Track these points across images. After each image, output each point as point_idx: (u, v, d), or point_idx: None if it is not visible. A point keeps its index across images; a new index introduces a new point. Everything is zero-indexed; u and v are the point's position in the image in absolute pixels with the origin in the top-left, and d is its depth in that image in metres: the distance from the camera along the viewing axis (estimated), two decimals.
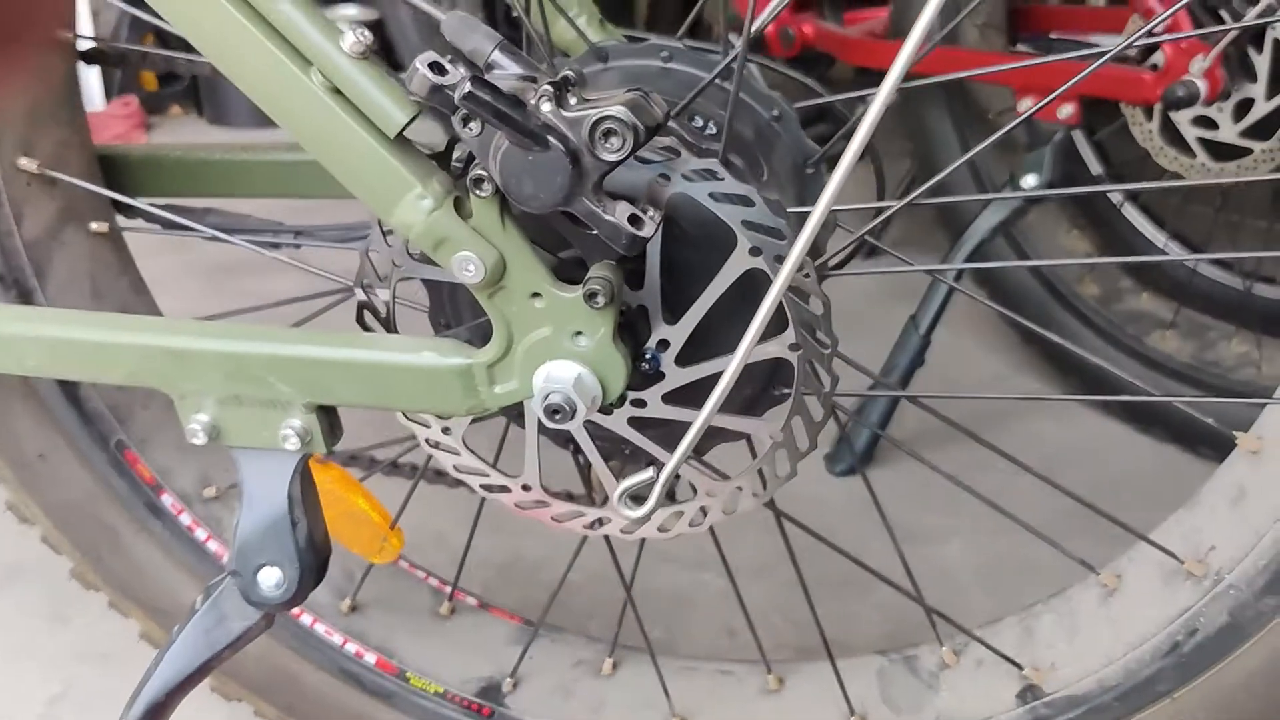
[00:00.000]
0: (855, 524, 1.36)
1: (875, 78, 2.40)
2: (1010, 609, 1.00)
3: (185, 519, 1.04)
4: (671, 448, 0.73)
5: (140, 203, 1.03)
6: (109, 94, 4.01)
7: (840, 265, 0.97)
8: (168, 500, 1.03)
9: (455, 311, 0.83)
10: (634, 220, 0.65)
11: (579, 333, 0.72)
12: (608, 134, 0.62)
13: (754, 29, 0.73)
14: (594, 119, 0.62)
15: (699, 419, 0.69)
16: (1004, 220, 1.85)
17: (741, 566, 1.10)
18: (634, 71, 0.85)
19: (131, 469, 1.01)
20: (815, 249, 0.87)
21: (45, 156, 0.92)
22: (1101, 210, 2.08)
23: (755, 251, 0.70)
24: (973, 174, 2.01)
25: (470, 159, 0.72)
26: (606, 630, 1.12)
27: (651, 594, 1.50)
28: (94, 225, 0.99)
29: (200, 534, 1.04)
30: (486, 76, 0.63)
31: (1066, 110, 1.79)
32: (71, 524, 1.03)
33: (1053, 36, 2.10)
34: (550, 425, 0.72)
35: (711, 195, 0.70)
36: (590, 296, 0.69)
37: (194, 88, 4.30)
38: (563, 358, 0.72)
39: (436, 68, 0.63)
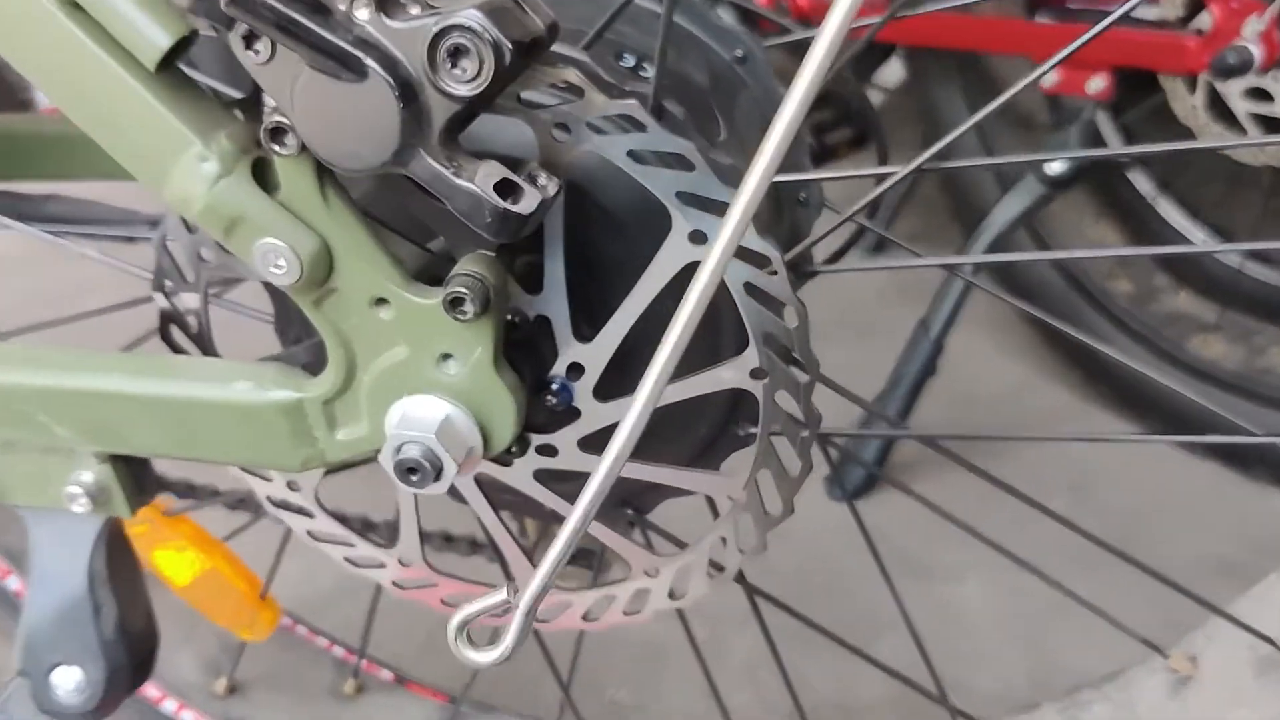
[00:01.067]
0: (860, 556, 1.13)
1: (881, 55, 2.15)
2: (1039, 668, 0.77)
3: (12, 582, 0.83)
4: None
5: None
6: None
7: (833, 259, 0.75)
8: None
9: (307, 323, 0.61)
10: (504, 188, 0.43)
11: (446, 355, 0.50)
12: (456, 54, 0.41)
13: None
14: (433, 31, 0.40)
15: (580, 505, 0.46)
16: (1026, 209, 1.63)
17: (724, 612, 0.86)
18: None
19: None
20: (793, 235, 0.65)
21: None
22: (1130, 201, 1.86)
23: (698, 237, 0.49)
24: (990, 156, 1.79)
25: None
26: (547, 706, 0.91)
27: (617, 644, 1.28)
28: None
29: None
30: None
31: (1097, 84, 1.57)
32: None
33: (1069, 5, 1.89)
34: (406, 488, 0.50)
35: (632, 155, 0.48)
36: (454, 304, 0.47)
37: None
38: (425, 391, 0.50)
39: None
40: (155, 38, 0.44)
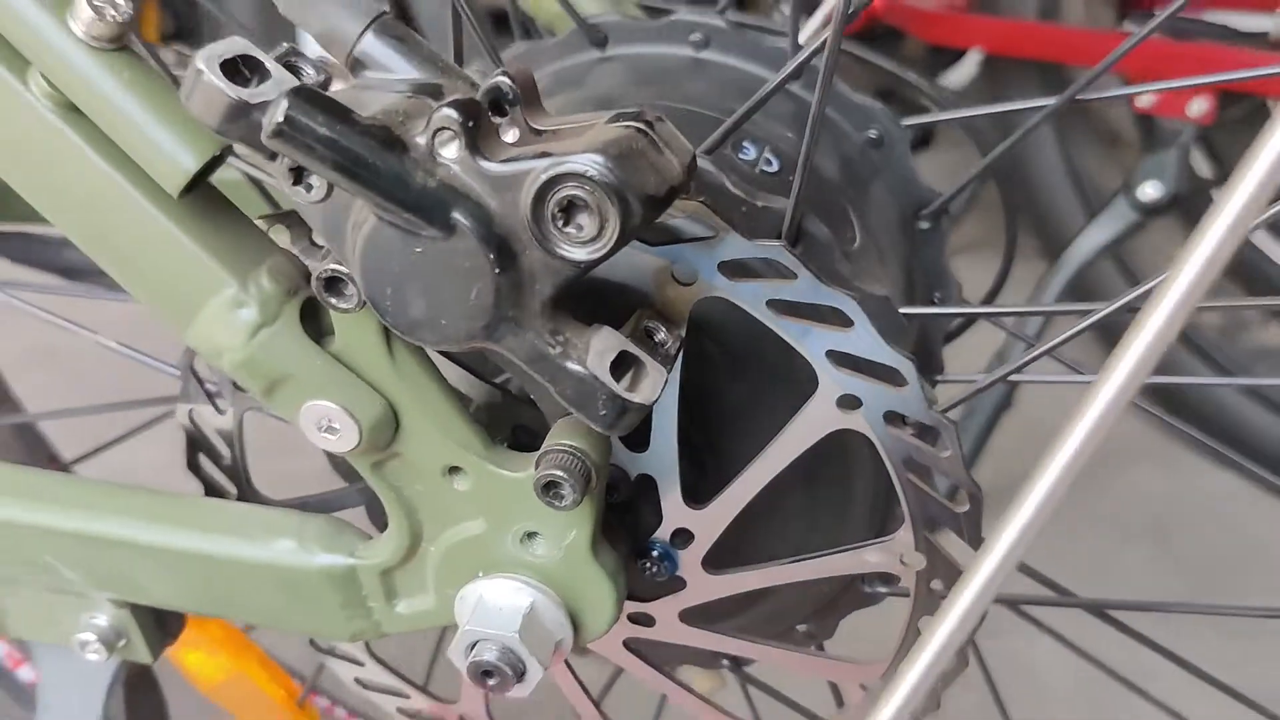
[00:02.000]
0: None
1: (952, 57, 2.03)
2: None
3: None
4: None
5: None
6: None
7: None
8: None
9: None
10: (624, 365, 0.34)
11: (532, 534, 0.41)
12: (570, 208, 0.31)
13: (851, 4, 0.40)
14: (542, 179, 0.31)
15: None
16: (1115, 237, 1.52)
17: None
18: (649, 64, 0.53)
19: None
20: (924, 343, 0.55)
21: None
22: None
23: (850, 402, 0.39)
24: (1074, 182, 1.68)
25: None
26: None
27: None
28: None
29: None
30: (338, 85, 0.32)
31: (1200, 107, 1.45)
32: None
33: (1156, 12, 1.76)
34: (483, 688, 0.41)
35: (773, 305, 0.38)
36: (548, 488, 0.38)
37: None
38: (505, 571, 0.41)
39: (232, 69, 0.32)
40: (180, 159, 0.35)
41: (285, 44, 0.35)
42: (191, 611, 0.48)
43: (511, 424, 0.43)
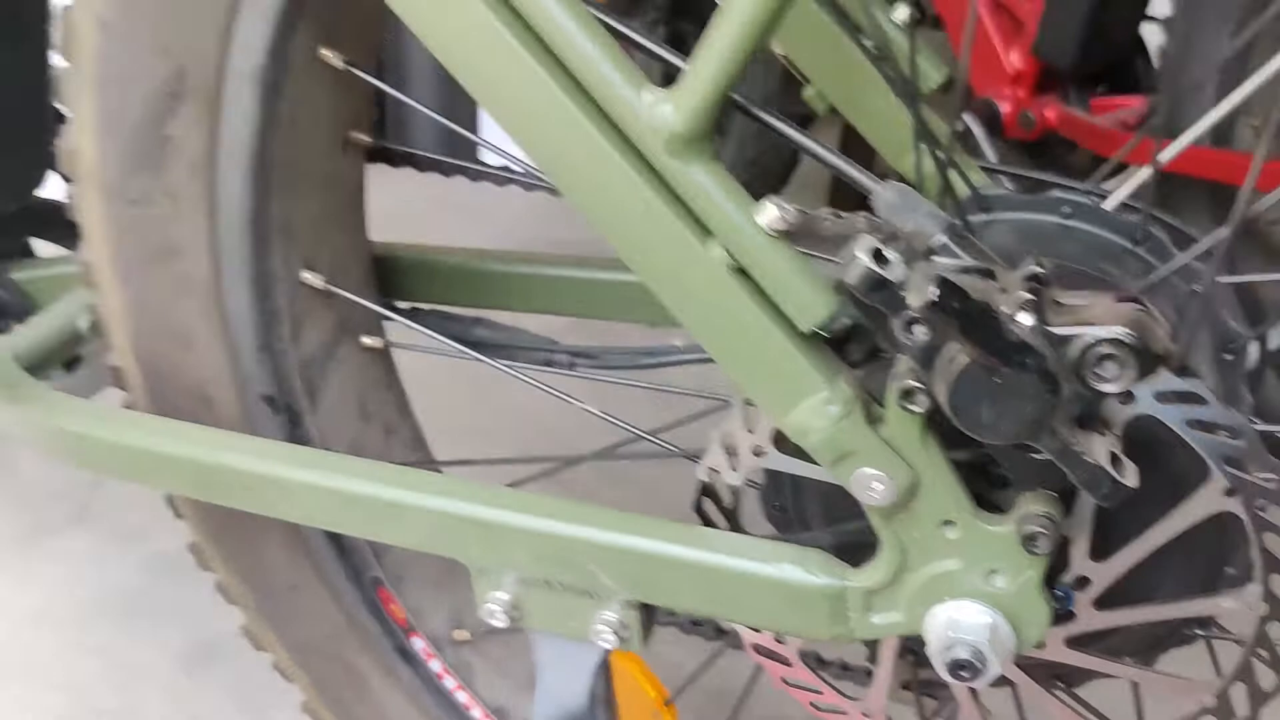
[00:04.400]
0: None
1: (1115, 168, 2.17)
2: None
3: (435, 665, 0.94)
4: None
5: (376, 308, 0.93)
6: None
7: None
8: (418, 644, 0.93)
9: (798, 500, 0.70)
10: (1115, 462, 0.52)
11: (994, 571, 0.58)
12: (1103, 359, 0.49)
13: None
14: (1090, 341, 0.49)
15: None
16: None
17: None
18: (1028, 227, 0.72)
19: (384, 608, 0.91)
20: None
21: (327, 267, 0.83)
22: None
23: (1231, 492, 0.56)
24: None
25: (875, 351, 0.60)
26: None
27: None
28: (366, 339, 0.89)
29: (449, 682, 0.93)
30: (943, 273, 0.50)
31: None
32: (312, 660, 0.93)
33: None
34: (950, 680, 0.58)
35: (1190, 424, 0.56)
36: (1029, 540, 0.55)
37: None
38: (971, 598, 0.59)
39: (879, 257, 0.51)
40: (814, 307, 0.54)
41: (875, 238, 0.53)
42: (703, 614, 0.66)
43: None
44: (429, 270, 0.96)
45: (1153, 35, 2.13)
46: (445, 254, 0.97)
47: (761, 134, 2.24)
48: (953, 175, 0.73)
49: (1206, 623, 0.67)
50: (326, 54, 0.73)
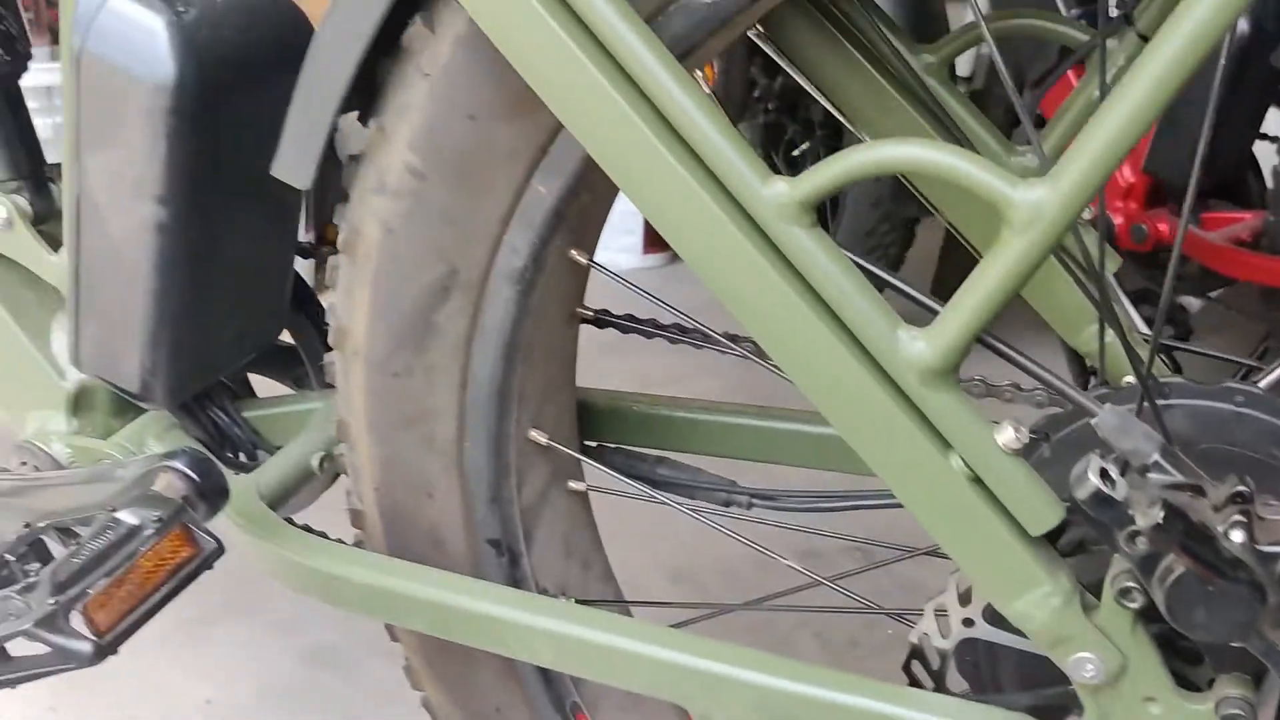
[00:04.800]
0: None
1: (1225, 280, 2.21)
2: None
3: None
4: None
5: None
6: None
7: None
8: None
9: (991, 658, 0.78)
10: None
11: None
12: None
13: None
14: None
15: None
16: None
17: None
18: (1205, 413, 0.79)
19: None
20: None
21: (549, 425, 0.93)
22: None
23: None
24: None
25: (1082, 543, 0.68)
26: None
27: None
28: (572, 484, 0.99)
29: None
30: (1166, 496, 0.58)
31: None
32: None
33: None
34: None
35: None
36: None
37: None
38: None
39: (1106, 476, 0.59)
40: (1043, 516, 0.62)
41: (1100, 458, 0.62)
42: None
43: None
44: (620, 415, 1.06)
45: (1266, 153, 2.18)
46: (634, 400, 1.06)
47: (875, 208, 2.31)
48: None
49: None
50: (575, 254, 0.83)
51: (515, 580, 0.94)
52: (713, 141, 0.63)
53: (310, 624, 1.74)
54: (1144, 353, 0.80)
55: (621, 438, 1.08)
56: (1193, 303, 2.33)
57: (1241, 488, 0.60)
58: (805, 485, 1.03)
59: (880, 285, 0.67)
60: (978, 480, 0.63)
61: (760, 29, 0.88)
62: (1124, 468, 0.61)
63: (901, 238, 2.40)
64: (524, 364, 0.88)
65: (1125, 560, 0.61)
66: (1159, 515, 0.56)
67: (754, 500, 1.05)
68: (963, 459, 0.63)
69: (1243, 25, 1.96)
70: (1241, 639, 0.59)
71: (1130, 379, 0.84)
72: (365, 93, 0.80)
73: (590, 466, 1.02)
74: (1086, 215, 0.89)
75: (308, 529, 1.16)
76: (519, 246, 0.80)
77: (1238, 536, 0.58)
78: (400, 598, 0.86)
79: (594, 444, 1.08)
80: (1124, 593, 0.62)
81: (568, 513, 1.00)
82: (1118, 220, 2.19)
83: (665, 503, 1.01)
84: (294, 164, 0.81)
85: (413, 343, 0.84)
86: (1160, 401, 0.81)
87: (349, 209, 0.83)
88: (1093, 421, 0.63)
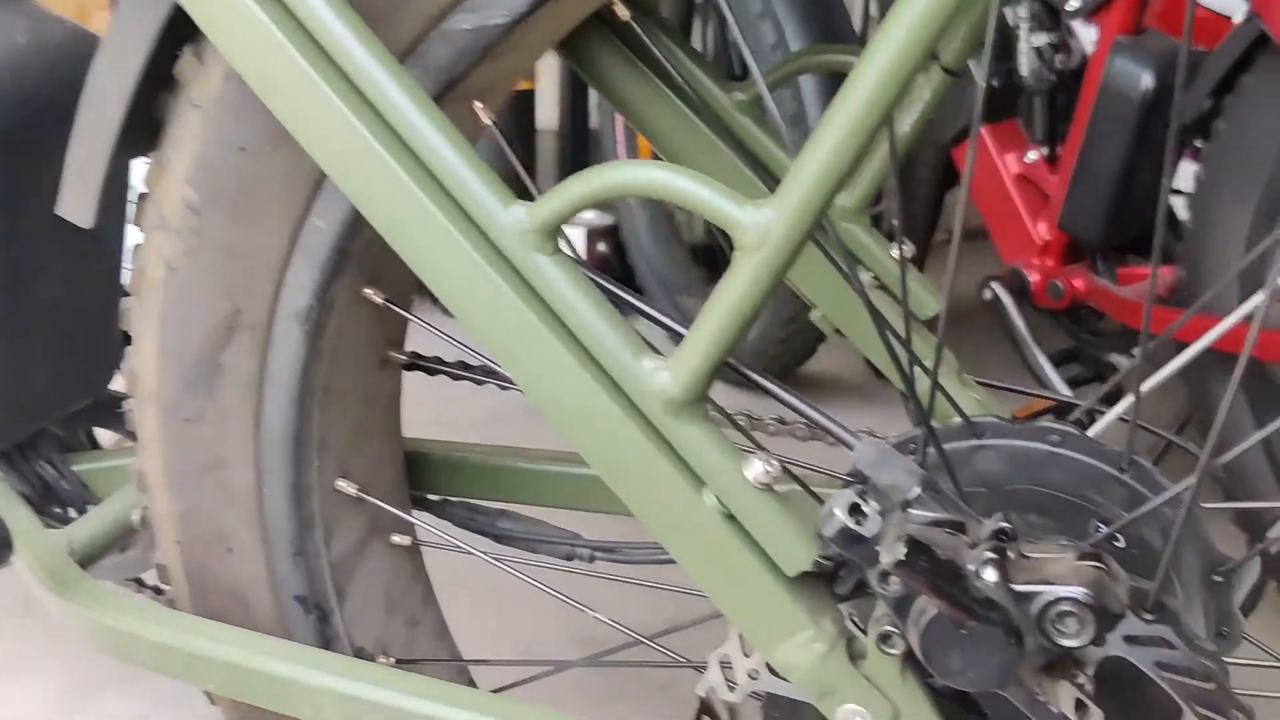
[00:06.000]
0: None
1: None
2: None
3: None
4: None
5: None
6: None
7: None
8: None
9: (795, 715, 0.73)
10: (1080, 708, 0.55)
11: None
12: (1063, 615, 0.53)
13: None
14: (1049, 599, 0.53)
15: None
16: None
17: None
18: (1016, 453, 0.76)
19: None
20: None
21: (360, 475, 0.89)
22: None
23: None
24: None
25: (859, 587, 0.64)
26: None
27: None
28: (395, 538, 0.94)
29: None
30: (912, 531, 0.55)
31: None
32: None
33: None
34: None
35: (1159, 665, 0.59)
36: None
37: None
38: None
39: (856, 512, 0.55)
40: (797, 554, 0.58)
41: (857, 488, 0.58)
42: None
43: None
44: (455, 467, 1.02)
45: (1181, 207, 2.16)
46: (469, 451, 1.02)
47: (790, 321, 2.31)
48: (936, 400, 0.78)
49: None
50: (369, 293, 0.80)
51: (326, 639, 0.89)
52: (452, 168, 0.60)
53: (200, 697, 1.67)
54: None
55: (460, 489, 1.04)
56: (1120, 361, 2.30)
57: (1004, 525, 0.56)
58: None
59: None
60: (731, 517, 0.59)
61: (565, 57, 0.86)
62: (887, 505, 0.58)
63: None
64: (322, 410, 0.84)
65: (884, 603, 0.56)
66: (901, 551, 0.52)
67: (596, 553, 1.01)
68: (715, 495, 0.59)
69: (1147, 80, 1.96)
70: (1000, 686, 0.54)
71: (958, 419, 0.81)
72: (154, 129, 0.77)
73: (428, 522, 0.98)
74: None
75: (141, 584, 1.11)
76: (303, 284, 0.77)
77: (990, 575, 0.54)
78: (191, 656, 0.81)
79: (434, 497, 1.04)
80: (884, 638, 0.57)
81: (390, 568, 0.95)
82: (1034, 278, 2.17)
83: (494, 563, 0.96)
84: (76, 202, 0.78)
85: (203, 385, 0.80)
86: (973, 442, 0.78)
87: (137, 248, 0.80)
88: (851, 455, 0.60)
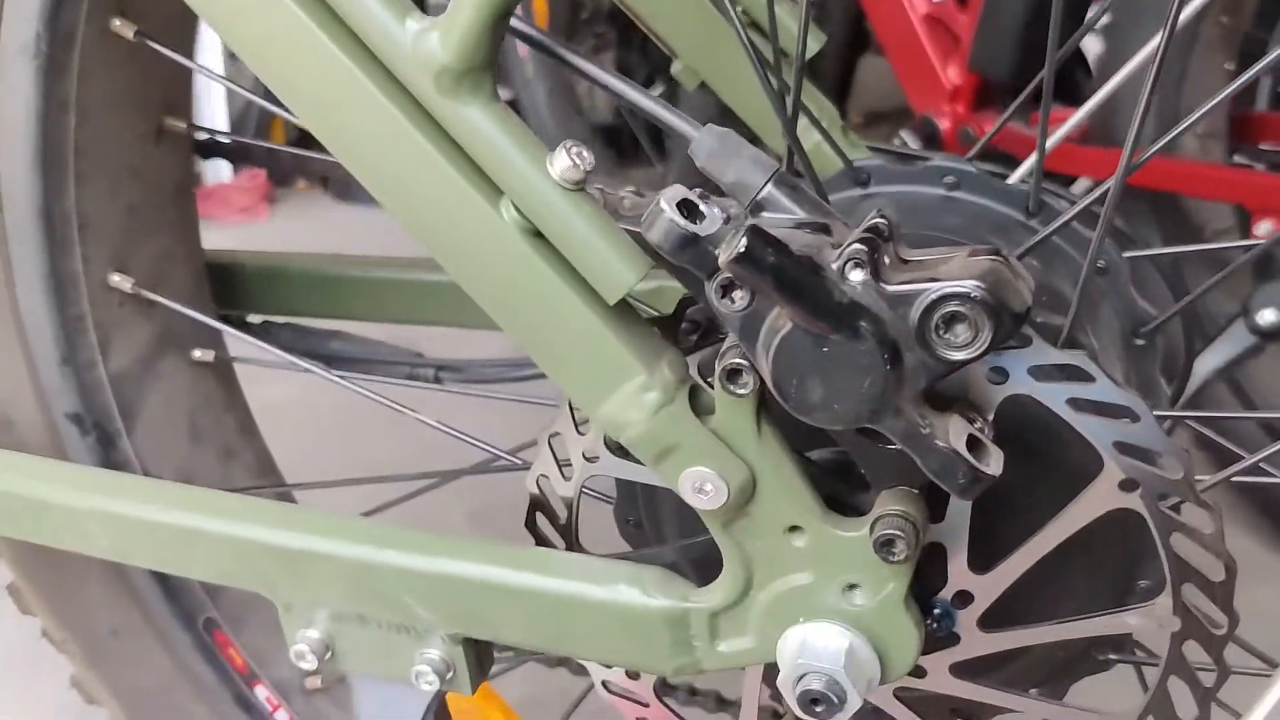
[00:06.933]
0: None
1: (1067, 183, 2.10)
2: None
3: (281, 716, 0.84)
4: None
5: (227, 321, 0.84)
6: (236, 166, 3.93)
7: None
8: (261, 693, 0.83)
9: (653, 513, 0.61)
10: (975, 446, 0.43)
11: (853, 585, 0.49)
12: (951, 320, 0.41)
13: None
14: (933, 297, 0.40)
15: None
16: (1231, 361, 1.58)
17: None
18: (909, 201, 0.64)
19: (221, 653, 0.82)
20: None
21: (142, 272, 0.74)
22: None
23: (1129, 485, 0.48)
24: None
25: (711, 330, 0.51)
26: None
27: None
28: (197, 353, 0.80)
29: None
30: (763, 225, 0.42)
31: None
32: (143, 712, 0.83)
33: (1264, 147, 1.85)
34: (803, 717, 0.49)
35: (1073, 403, 0.47)
36: (884, 545, 0.47)
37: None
38: (827, 619, 0.50)
39: (688, 208, 0.43)
40: (622, 274, 0.45)
41: (698, 188, 0.45)
42: (532, 647, 0.57)
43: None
44: (277, 278, 0.87)
45: (1091, 45, 2.08)
46: (295, 260, 0.88)
47: None
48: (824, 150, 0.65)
49: (1122, 645, 0.58)
50: (118, 25, 0.64)
51: (111, 466, 0.75)
52: None
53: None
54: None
55: (283, 307, 0.89)
56: None
57: (879, 221, 0.44)
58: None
59: None
60: (537, 234, 0.46)
61: None
62: (731, 206, 0.45)
63: None
64: (80, 181, 0.69)
65: (725, 324, 0.44)
66: (742, 244, 0.40)
67: (440, 372, 0.88)
68: (515, 205, 0.46)
69: None
70: (873, 419, 0.42)
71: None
72: None
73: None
74: None
75: None
76: (24, 8, 0.61)
77: (856, 275, 0.41)
78: None
79: (255, 319, 0.90)
80: (731, 374, 0.45)
81: (193, 387, 0.81)
82: (944, 124, 2.06)
83: (338, 381, 0.82)
84: None
85: None
86: (859, 190, 0.65)
87: None
88: (690, 150, 0.47)
